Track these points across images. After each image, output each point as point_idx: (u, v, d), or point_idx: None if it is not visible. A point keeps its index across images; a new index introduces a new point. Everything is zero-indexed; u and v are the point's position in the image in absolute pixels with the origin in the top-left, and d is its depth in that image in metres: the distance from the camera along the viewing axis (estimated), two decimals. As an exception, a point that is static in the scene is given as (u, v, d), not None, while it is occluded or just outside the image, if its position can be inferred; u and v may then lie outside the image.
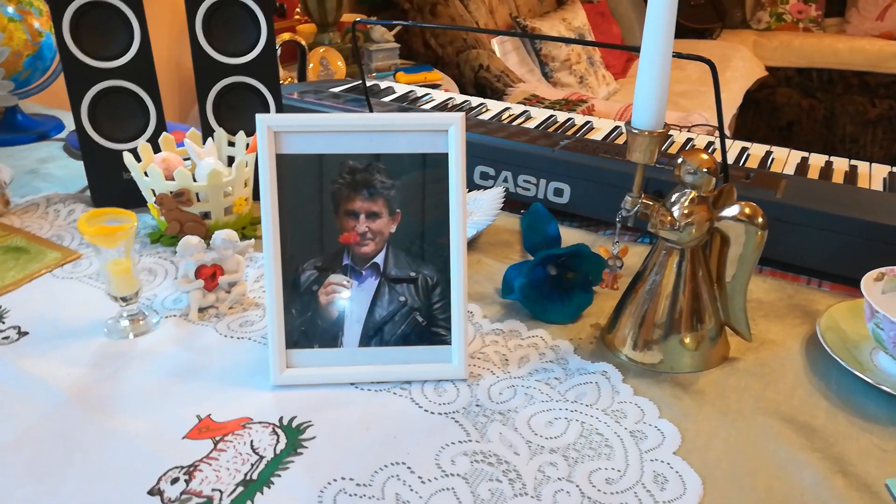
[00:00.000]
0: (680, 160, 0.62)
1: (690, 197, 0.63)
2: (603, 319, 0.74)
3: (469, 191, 0.96)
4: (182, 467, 0.55)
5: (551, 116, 1.19)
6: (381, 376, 0.64)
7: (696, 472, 0.54)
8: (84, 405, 0.61)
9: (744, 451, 0.57)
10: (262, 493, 0.52)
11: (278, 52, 1.32)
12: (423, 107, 1.22)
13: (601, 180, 0.91)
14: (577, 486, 0.53)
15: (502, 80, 2.36)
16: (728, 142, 1.06)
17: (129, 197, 0.91)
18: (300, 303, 0.64)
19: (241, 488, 0.53)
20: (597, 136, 1.09)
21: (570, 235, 0.91)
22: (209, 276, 0.74)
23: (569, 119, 1.17)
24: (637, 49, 0.61)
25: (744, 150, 1.04)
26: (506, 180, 0.98)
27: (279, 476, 0.54)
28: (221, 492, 0.53)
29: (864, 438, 0.58)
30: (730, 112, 2.94)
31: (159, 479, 0.53)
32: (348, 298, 0.64)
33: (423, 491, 0.53)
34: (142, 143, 0.90)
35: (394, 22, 1.20)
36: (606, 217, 0.93)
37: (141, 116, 0.95)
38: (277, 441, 0.57)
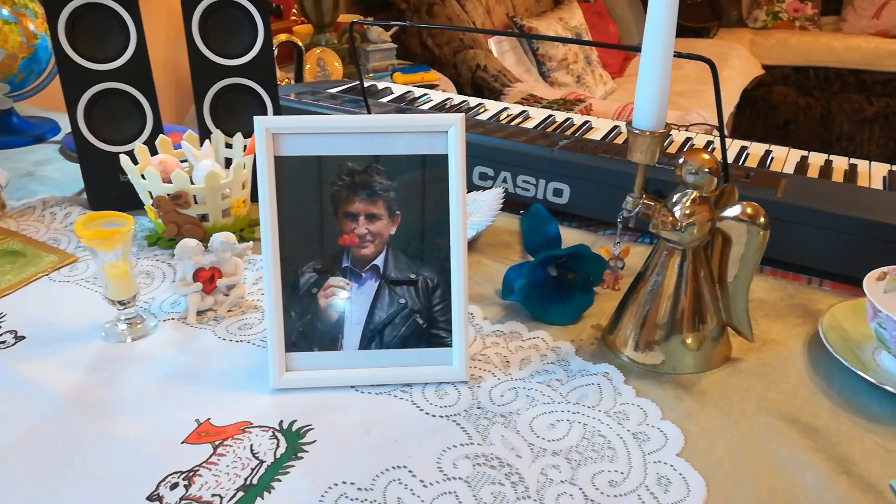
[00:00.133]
0: (681, 160, 0.62)
1: (692, 197, 0.63)
2: (604, 320, 0.73)
3: (468, 191, 0.95)
4: (181, 472, 0.54)
5: (550, 116, 1.18)
6: (382, 379, 0.64)
7: (699, 474, 0.54)
8: (82, 409, 0.61)
9: (747, 452, 0.57)
10: (263, 498, 0.52)
11: (275, 53, 1.31)
12: (420, 107, 1.22)
13: (601, 180, 0.91)
14: (581, 488, 0.53)
15: (499, 80, 2.36)
16: (727, 141, 1.06)
17: (126, 199, 0.90)
18: (299, 305, 0.63)
19: (241, 493, 0.52)
20: (595, 135, 1.09)
21: (569, 236, 0.91)
22: (207, 278, 0.73)
23: (567, 119, 1.17)
24: (634, 48, 0.61)
25: (743, 149, 1.04)
26: (505, 181, 0.98)
27: (279, 480, 0.54)
28: (221, 497, 0.52)
29: (867, 439, 0.58)
30: (727, 111, 2.94)
31: (158, 485, 0.53)
32: (348, 301, 0.63)
33: (424, 495, 0.52)
34: (138, 146, 0.89)
35: (391, 22, 1.20)
36: (606, 217, 0.93)
37: (137, 118, 0.94)
38: (277, 445, 0.57)
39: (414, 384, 0.64)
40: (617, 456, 0.56)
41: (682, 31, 3.65)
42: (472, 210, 0.90)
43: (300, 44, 1.76)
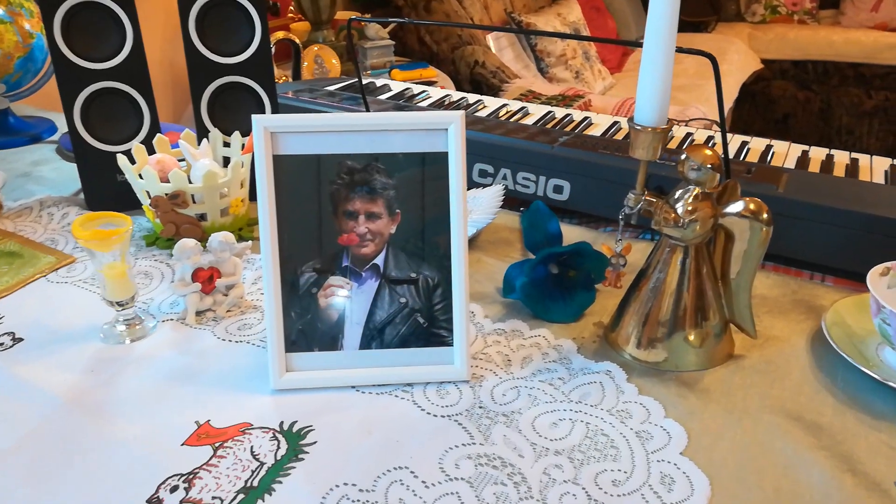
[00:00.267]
0: (683, 156, 0.62)
1: (694, 193, 0.62)
2: (606, 318, 0.73)
3: (468, 189, 0.95)
4: (181, 475, 0.54)
5: (549, 112, 1.18)
6: (383, 379, 0.63)
7: (703, 473, 0.54)
8: (81, 411, 0.60)
9: (751, 450, 0.56)
10: (264, 501, 0.52)
11: (272, 50, 1.31)
12: (419, 104, 1.21)
13: (601, 176, 0.91)
14: (584, 488, 0.53)
15: (498, 76, 2.35)
16: (728, 136, 1.06)
17: (124, 199, 0.90)
18: (299, 305, 0.63)
19: (241, 496, 0.52)
20: (595, 131, 1.08)
21: (570, 232, 0.90)
22: (206, 278, 0.73)
23: (567, 115, 1.16)
24: (633, 43, 0.60)
25: (744, 144, 1.03)
26: (505, 178, 0.97)
27: (280, 482, 0.53)
28: (222, 500, 0.52)
29: (872, 436, 0.58)
30: (726, 105, 2.94)
31: (158, 487, 0.53)
32: (348, 300, 0.63)
33: (426, 496, 0.52)
34: (136, 145, 0.89)
35: (389, 19, 1.19)
36: (607, 214, 0.92)
37: (134, 118, 0.94)
38: (278, 446, 0.56)
39: (415, 384, 0.63)
40: (620, 455, 0.56)
41: (681, 25, 3.60)
42: (472, 207, 0.89)
43: (297, 41, 1.76)
